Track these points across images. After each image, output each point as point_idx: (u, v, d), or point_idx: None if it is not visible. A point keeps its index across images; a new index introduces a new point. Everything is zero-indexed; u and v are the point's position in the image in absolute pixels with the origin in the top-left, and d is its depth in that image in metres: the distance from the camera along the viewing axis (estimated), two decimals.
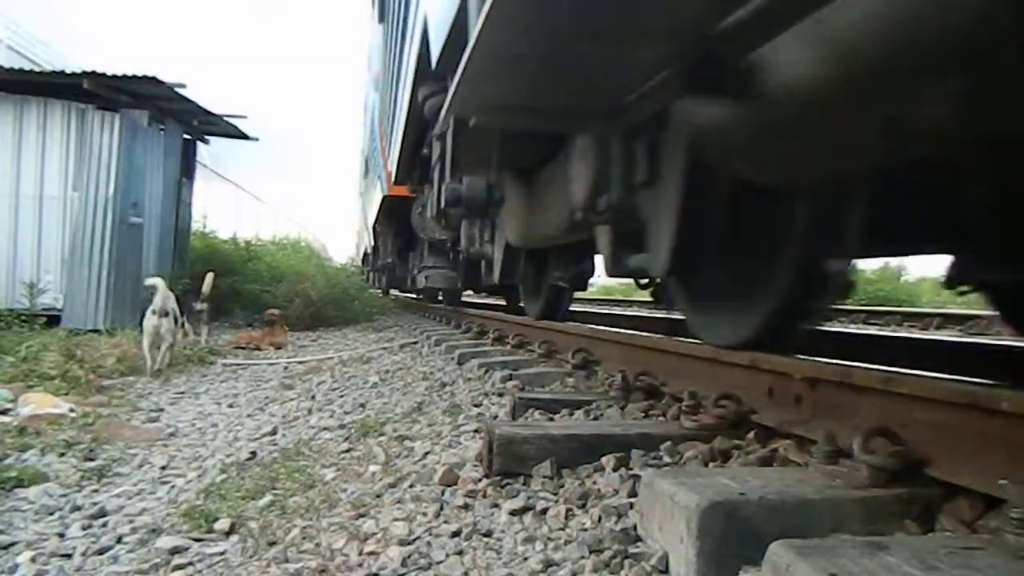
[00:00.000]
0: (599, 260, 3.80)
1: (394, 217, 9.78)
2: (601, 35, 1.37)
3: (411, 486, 1.75)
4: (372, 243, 13.95)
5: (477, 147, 3.08)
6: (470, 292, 10.44)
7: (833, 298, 2.27)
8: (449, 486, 1.68)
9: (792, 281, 2.03)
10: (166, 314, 5.20)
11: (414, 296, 14.49)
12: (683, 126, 1.77)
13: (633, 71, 1.58)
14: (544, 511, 1.45)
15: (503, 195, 3.33)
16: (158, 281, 5.39)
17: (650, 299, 3.82)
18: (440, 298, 10.43)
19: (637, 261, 2.21)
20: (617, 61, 1.53)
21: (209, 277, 7.27)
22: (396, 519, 1.52)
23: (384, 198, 9.00)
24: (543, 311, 4.89)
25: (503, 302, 9.41)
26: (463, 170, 3.27)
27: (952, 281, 2.15)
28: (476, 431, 2.19)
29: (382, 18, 8.13)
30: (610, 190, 2.05)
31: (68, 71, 7.62)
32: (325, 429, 2.81)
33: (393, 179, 7.42)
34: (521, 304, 5.70)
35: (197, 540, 1.75)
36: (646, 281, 3.07)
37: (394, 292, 16.62)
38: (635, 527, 1.30)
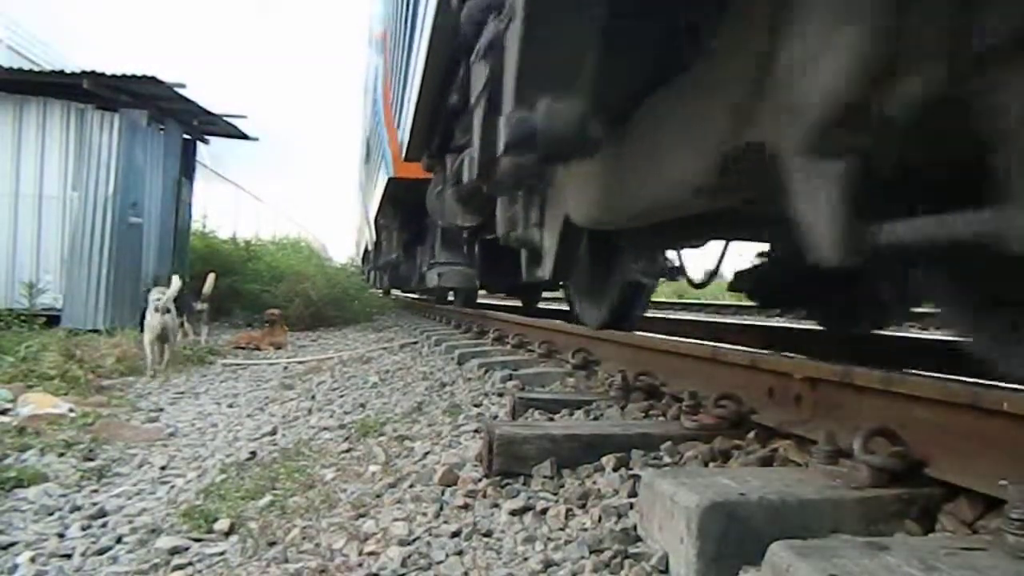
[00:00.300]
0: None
1: (401, 205, 8.71)
2: None
3: (411, 486, 1.75)
4: (374, 238, 12.50)
5: (567, 42, 1.86)
6: (481, 292, 9.87)
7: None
8: (449, 486, 1.68)
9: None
10: (168, 311, 5.28)
11: (416, 296, 13.89)
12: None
13: None
14: (544, 511, 1.45)
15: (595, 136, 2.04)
16: (175, 280, 5.52)
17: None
18: (450, 299, 9.60)
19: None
20: None
21: (210, 278, 7.28)
22: (396, 519, 1.52)
23: (389, 181, 7.89)
24: (609, 317, 3.75)
25: (515, 303, 9.04)
26: (538, 85, 2.02)
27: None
28: (476, 431, 2.19)
29: None
30: None
31: (68, 71, 7.62)
32: (325, 429, 2.81)
33: (404, 153, 6.02)
34: (572, 308, 4.46)
35: (197, 540, 1.75)
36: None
37: (395, 292, 16.52)
38: (635, 527, 1.30)
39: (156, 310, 5.08)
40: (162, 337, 5.06)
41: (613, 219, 2.43)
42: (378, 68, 9.05)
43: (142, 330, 5.73)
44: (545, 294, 9.79)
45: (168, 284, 6.82)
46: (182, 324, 6.98)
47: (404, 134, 5.58)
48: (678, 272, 3.25)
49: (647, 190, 2.03)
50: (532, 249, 3.23)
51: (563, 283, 4.84)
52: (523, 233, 3.20)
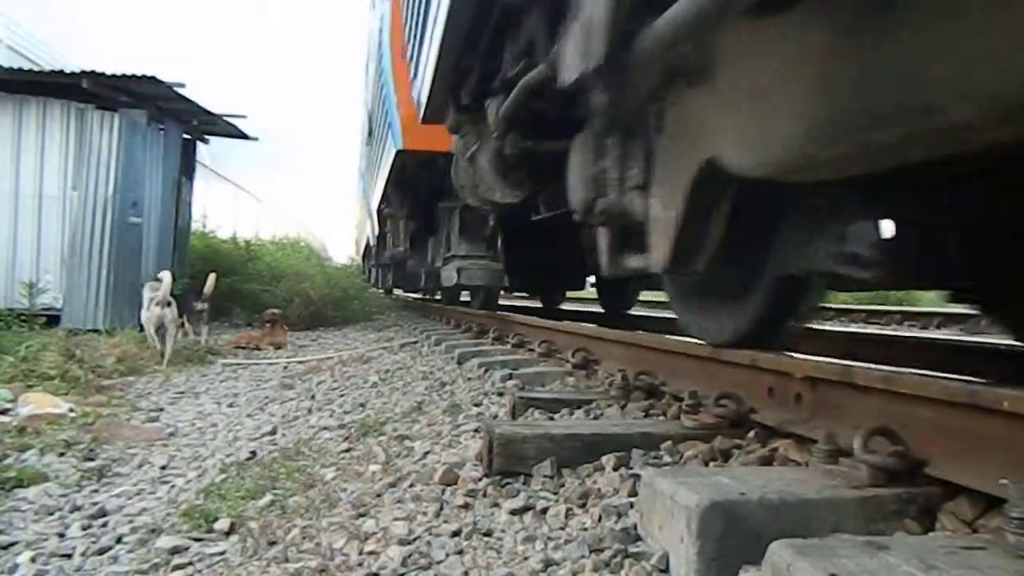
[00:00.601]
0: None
1: (409, 187, 7.44)
2: None
3: (411, 486, 1.75)
4: (376, 231, 10.92)
5: None
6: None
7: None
8: (449, 485, 1.68)
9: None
10: (168, 304, 5.43)
11: (420, 296, 12.93)
12: None
13: None
14: (544, 510, 1.45)
15: None
16: (165, 275, 5.64)
17: (645, 299, 4.14)
18: (463, 298, 8.20)
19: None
20: None
21: (211, 278, 7.29)
22: (396, 519, 1.52)
23: (397, 156, 6.37)
24: (754, 325, 2.22)
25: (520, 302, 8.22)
26: None
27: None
28: (476, 430, 2.19)
29: None
30: None
31: (67, 71, 7.62)
32: (325, 429, 2.81)
33: (422, 113, 4.57)
34: (677, 315, 2.68)
35: (197, 540, 1.75)
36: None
37: (396, 292, 16.41)
38: (635, 526, 1.30)
39: (156, 304, 5.25)
40: (160, 330, 5.24)
41: (833, 154, 1.19)
42: (384, 17, 7.46)
43: (141, 328, 5.85)
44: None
45: (172, 284, 6.90)
46: (183, 324, 7.00)
47: (422, 86, 4.29)
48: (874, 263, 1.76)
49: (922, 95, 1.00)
50: (626, 226, 2.08)
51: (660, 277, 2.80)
52: (617, 200, 2.03)
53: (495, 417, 2.40)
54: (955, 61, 0.93)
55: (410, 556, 1.34)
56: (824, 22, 1.11)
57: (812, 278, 2.12)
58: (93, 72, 7.38)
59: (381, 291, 13.92)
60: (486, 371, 3.32)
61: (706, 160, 1.56)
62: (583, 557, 1.23)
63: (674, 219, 1.76)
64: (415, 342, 5.90)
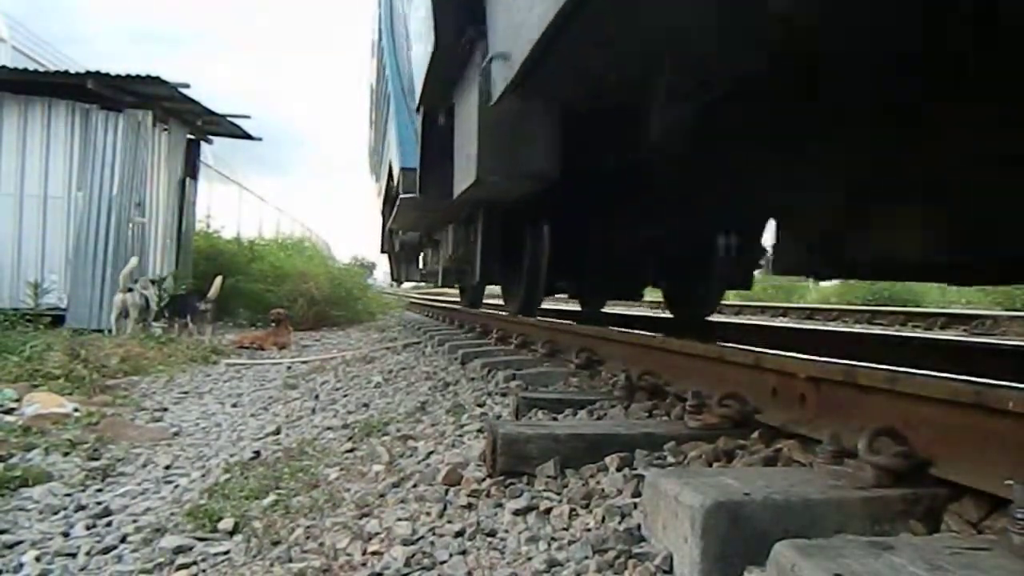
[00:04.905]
0: None
1: None
2: None
3: (415, 486, 1.75)
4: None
5: None
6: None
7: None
8: (453, 486, 1.68)
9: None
10: (130, 290, 6.23)
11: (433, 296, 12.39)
12: None
13: None
14: (548, 511, 1.45)
15: None
16: (132, 260, 6.25)
17: (649, 299, 3.93)
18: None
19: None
20: None
21: (217, 280, 7.35)
22: (400, 519, 1.52)
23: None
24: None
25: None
26: None
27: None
28: (480, 431, 2.19)
29: None
30: None
31: (72, 71, 7.64)
32: (329, 429, 2.82)
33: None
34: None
35: (201, 539, 1.75)
36: None
37: (397, 291, 16.32)
38: (639, 527, 1.30)
39: (119, 290, 5.98)
40: (124, 314, 5.88)
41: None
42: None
43: (143, 327, 6.16)
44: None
45: (170, 283, 7.18)
46: (186, 324, 7.03)
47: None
48: None
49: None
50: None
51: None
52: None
53: (499, 417, 2.39)
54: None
55: (413, 556, 1.34)
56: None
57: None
58: (98, 73, 7.40)
59: (412, 285, 13.49)
60: (490, 371, 3.32)
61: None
62: (587, 558, 1.23)
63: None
64: (418, 342, 5.90)
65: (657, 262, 5.04)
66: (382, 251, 9.68)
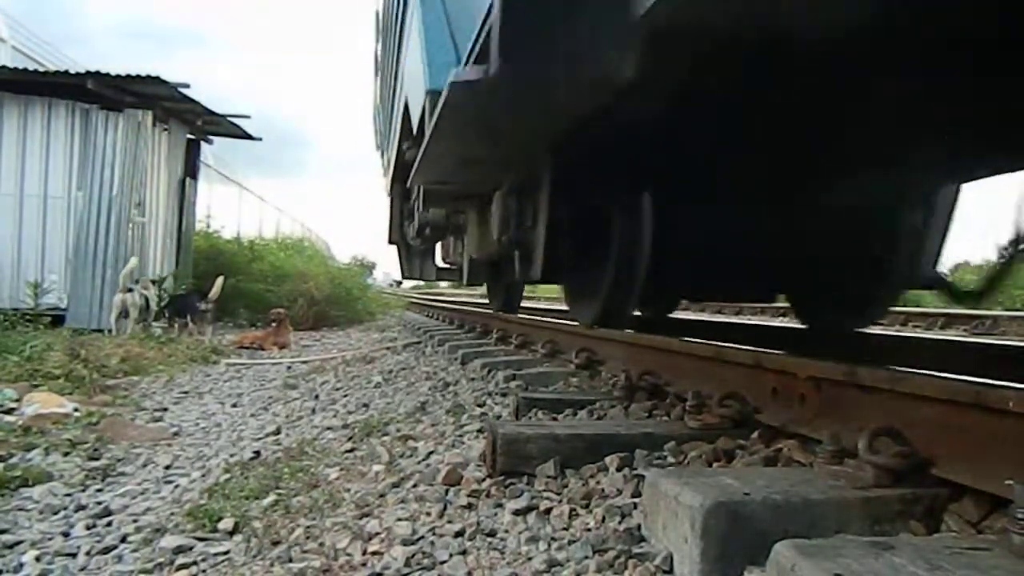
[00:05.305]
0: None
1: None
2: None
3: (415, 486, 1.75)
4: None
5: None
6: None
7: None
8: (453, 486, 1.68)
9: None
10: (130, 290, 6.23)
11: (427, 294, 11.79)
12: None
13: None
14: (548, 511, 1.45)
15: None
16: (133, 260, 6.23)
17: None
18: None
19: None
20: None
21: (218, 281, 7.36)
22: (400, 519, 1.52)
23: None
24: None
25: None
26: None
27: None
28: (480, 431, 2.19)
29: None
30: None
31: (72, 71, 7.64)
32: (329, 429, 2.82)
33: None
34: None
35: (201, 539, 1.75)
36: None
37: (398, 291, 16.29)
38: (639, 527, 1.30)
39: (119, 290, 5.98)
40: (124, 314, 5.89)
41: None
42: None
43: (144, 327, 6.18)
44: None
45: (170, 283, 7.22)
46: (186, 324, 7.04)
47: None
48: None
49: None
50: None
51: None
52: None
53: (499, 417, 2.40)
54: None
55: (414, 556, 1.34)
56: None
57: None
58: (98, 73, 7.40)
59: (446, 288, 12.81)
60: (490, 371, 3.32)
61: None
62: (587, 558, 1.23)
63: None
64: (418, 342, 5.90)
65: (808, 246, 3.43)
66: (390, 241, 7.32)
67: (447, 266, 6.93)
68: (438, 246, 7.02)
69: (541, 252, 3.38)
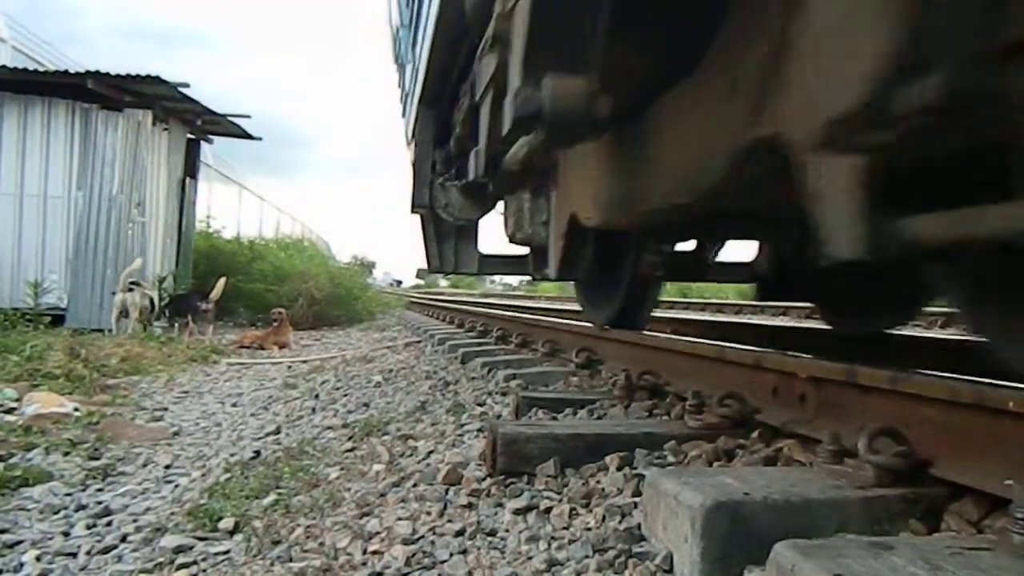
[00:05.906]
0: None
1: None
2: None
3: (415, 485, 1.75)
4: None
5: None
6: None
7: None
8: (453, 485, 1.68)
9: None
10: (130, 290, 6.26)
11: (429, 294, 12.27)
12: None
13: None
14: (548, 510, 1.45)
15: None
16: (137, 260, 6.22)
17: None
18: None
19: None
20: None
21: (220, 282, 7.37)
22: (400, 518, 1.52)
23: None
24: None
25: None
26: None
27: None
28: (480, 430, 2.19)
29: None
30: None
31: (72, 71, 7.64)
32: (329, 428, 2.82)
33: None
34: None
35: (201, 539, 1.75)
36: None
37: (398, 291, 16.30)
38: (639, 526, 1.30)
39: (119, 290, 5.99)
40: (124, 313, 5.91)
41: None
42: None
43: (144, 327, 6.15)
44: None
45: (170, 283, 7.23)
46: (187, 324, 7.04)
47: None
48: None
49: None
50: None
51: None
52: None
53: (499, 417, 2.40)
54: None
55: (414, 556, 1.34)
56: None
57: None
58: (98, 72, 7.40)
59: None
60: (490, 371, 3.32)
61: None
62: (587, 557, 1.23)
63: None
64: (419, 341, 5.91)
65: None
66: (413, 209, 4.14)
67: (501, 254, 4.53)
68: (486, 223, 4.37)
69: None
